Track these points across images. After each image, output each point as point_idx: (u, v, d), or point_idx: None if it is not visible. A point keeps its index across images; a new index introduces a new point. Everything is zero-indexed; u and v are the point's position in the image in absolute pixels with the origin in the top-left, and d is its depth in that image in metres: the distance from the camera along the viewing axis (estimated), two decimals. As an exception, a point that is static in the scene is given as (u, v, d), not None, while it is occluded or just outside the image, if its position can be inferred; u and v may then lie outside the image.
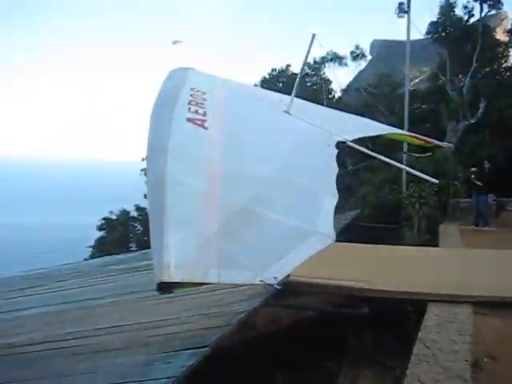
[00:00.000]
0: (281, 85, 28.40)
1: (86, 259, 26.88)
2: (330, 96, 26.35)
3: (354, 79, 30.46)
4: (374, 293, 5.94)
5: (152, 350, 3.96)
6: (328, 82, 27.04)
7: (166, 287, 3.25)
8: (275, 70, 28.90)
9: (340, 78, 29.93)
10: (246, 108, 8.92)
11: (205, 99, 7.85)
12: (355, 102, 24.86)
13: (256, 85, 28.36)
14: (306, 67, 27.92)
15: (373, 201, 15.32)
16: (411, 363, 4.09)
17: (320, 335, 6.23)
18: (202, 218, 4.74)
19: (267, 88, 27.80)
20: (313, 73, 27.25)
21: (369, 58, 32.20)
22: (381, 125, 15.10)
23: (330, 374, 5.92)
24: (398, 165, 13.05)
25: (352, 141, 8.77)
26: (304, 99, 23.15)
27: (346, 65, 26.34)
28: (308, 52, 14.06)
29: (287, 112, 9.84)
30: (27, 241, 68.04)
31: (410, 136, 13.22)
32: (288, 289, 6.13)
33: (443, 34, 21.06)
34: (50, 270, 14.53)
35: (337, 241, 9.75)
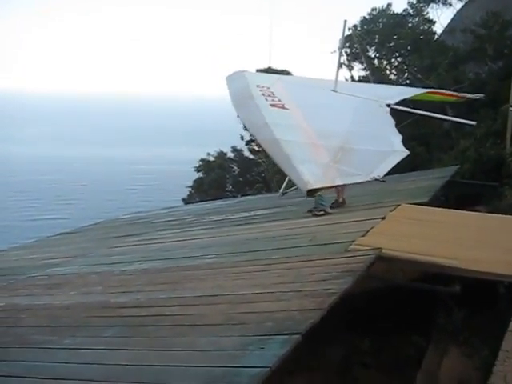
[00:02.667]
0: (380, 25, 27.35)
1: (184, 199, 28.09)
2: (433, 39, 25.09)
3: (458, 14, 28.63)
4: (466, 272, 5.87)
5: (247, 330, 4.21)
6: (431, 22, 25.73)
7: (311, 193, 8.05)
8: (375, 9, 27.76)
9: (444, 19, 28.26)
10: (305, 93, 13.48)
11: (272, 92, 11.84)
12: (459, 43, 23.51)
13: (355, 25, 27.45)
14: (408, 7, 26.68)
15: (473, 156, 14.76)
16: (498, 360, 4.10)
17: (409, 309, 6.32)
18: (314, 157, 9.15)
19: (366, 29, 26.94)
20: (415, 13, 26.00)
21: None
22: (412, 89, 17.06)
23: (416, 348, 6.03)
24: (439, 116, 14.03)
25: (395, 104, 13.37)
26: (405, 41, 22.72)
27: (450, 5, 24.87)
28: (342, 38, 14.79)
29: (334, 90, 13.43)
30: (132, 173, 71.82)
31: (429, 93, 14.37)
32: (380, 262, 6.24)
33: None
34: (151, 214, 15.44)
35: (431, 205, 9.80)
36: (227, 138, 31.93)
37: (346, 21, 12.11)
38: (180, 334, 4.50)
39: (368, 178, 9.04)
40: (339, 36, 27.41)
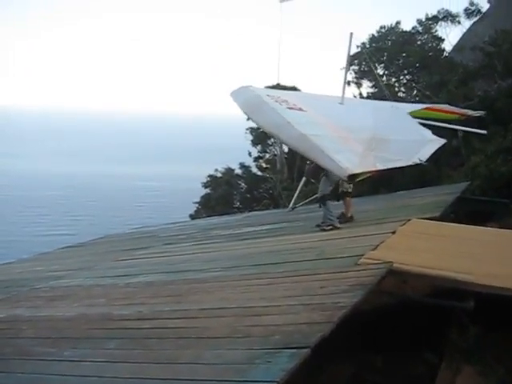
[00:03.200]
0: (389, 43, 27.33)
1: (191, 215, 27.92)
2: (441, 57, 25.00)
3: (467, 32, 28.57)
4: (480, 287, 5.68)
5: (253, 343, 4.04)
6: (440, 40, 25.68)
7: (352, 178, 8.03)
8: (384, 27, 27.77)
9: (453, 36, 28.11)
10: (317, 103, 13.57)
11: (285, 99, 11.85)
12: (468, 61, 23.39)
13: (364, 43, 27.40)
14: (417, 24, 26.66)
15: (484, 172, 14.52)
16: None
17: (421, 326, 6.11)
18: (347, 147, 8.99)
19: (375, 47, 26.89)
20: (424, 31, 25.95)
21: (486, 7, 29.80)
22: (413, 105, 17.05)
23: (429, 366, 5.82)
24: (451, 126, 13.78)
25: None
26: (413, 58, 22.66)
27: (459, 23, 24.79)
28: (349, 50, 14.76)
29: (341, 103, 13.48)
30: (141, 189, 72.06)
31: (427, 109, 13.92)
32: (391, 277, 6.06)
33: None
34: (158, 229, 15.32)
35: (442, 220, 9.57)
36: (236, 156, 31.86)
37: (352, 33, 12.06)
38: (184, 346, 4.34)
39: (410, 162, 9.45)
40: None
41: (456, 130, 15.26)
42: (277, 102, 10.11)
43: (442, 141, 10.51)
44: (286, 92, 12.38)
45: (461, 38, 28.56)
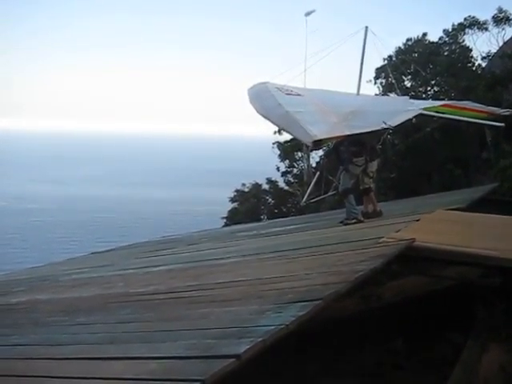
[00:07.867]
0: (416, 55, 27.13)
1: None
2: (469, 64, 24.67)
3: (499, 49, 28.22)
4: (505, 262, 5.48)
5: (265, 301, 3.95)
6: (467, 49, 25.34)
7: (317, 144, 8.52)
8: (410, 39, 27.60)
9: (480, 45, 27.46)
10: (325, 93, 14.03)
11: (291, 89, 12.31)
12: (498, 70, 23.10)
13: (391, 56, 27.26)
14: (443, 35, 26.44)
15: (513, 174, 14.22)
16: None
17: (446, 305, 5.91)
18: (323, 119, 9.22)
19: (402, 59, 26.73)
20: (451, 40, 25.65)
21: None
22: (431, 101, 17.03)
23: (453, 346, 5.59)
24: (470, 120, 12.89)
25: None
26: (441, 68, 22.37)
27: (486, 29, 24.35)
28: (364, 45, 14.63)
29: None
30: (160, 215, 72.15)
31: (446, 106, 13.08)
32: (415, 256, 5.90)
33: None
34: (184, 235, 15.33)
35: (467, 211, 9.30)
36: (262, 176, 31.71)
37: (367, 27, 12.08)
38: (196, 307, 4.27)
39: (378, 127, 9.17)
40: (375, 65, 27.50)
41: (472, 123, 14.31)
42: (280, 90, 10.54)
43: (419, 111, 10.69)
44: (299, 87, 11.99)
45: (494, 52, 28.10)
